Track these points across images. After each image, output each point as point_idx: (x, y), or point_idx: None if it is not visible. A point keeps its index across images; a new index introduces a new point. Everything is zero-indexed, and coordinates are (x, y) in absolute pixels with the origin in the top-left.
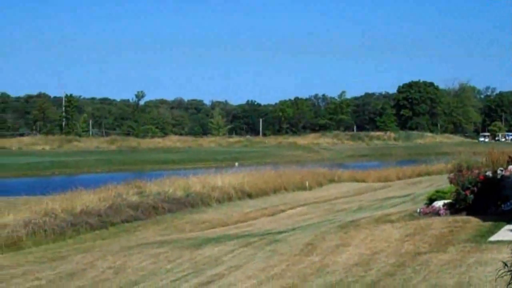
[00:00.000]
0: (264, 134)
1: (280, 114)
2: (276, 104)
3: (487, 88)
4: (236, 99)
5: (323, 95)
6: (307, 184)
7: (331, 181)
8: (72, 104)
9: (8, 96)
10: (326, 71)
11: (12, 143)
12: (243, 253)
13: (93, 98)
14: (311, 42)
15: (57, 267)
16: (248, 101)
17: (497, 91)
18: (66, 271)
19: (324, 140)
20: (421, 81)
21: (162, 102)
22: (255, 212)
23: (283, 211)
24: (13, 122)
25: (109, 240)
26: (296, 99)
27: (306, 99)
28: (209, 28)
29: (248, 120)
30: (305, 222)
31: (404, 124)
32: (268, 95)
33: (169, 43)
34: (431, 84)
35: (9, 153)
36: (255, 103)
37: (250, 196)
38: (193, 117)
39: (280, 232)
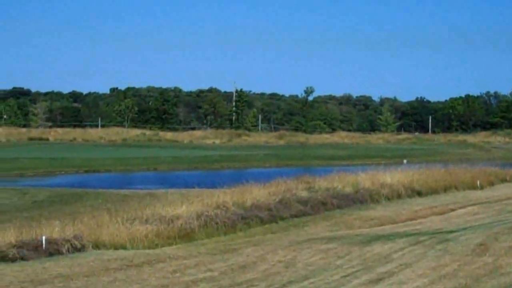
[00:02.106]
0: (433, 132)
1: (450, 111)
2: (446, 101)
3: None
4: (405, 95)
5: (495, 92)
6: (478, 183)
7: (503, 180)
8: (242, 99)
9: (180, 90)
10: (498, 68)
11: (184, 136)
12: (413, 251)
13: (262, 93)
14: (483, 37)
15: (228, 259)
16: (417, 97)
17: None
18: (237, 263)
19: (495, 139)
20: None
21: (331, 98)
22: (424, 210)
23: (453, 210)
24: (185, 116)
25: (278, 234)
26: (467, 96)
27: (477, 97)
28: (376, 24)
29: (417, 117)
30: (476, 222)
31: None
32: (438, 92)
33: (338, 39)
34: None
35: (181, 146)
36: (425, 100)
37: (419, 194)
38: (361, 113)
39: (450, 231)
